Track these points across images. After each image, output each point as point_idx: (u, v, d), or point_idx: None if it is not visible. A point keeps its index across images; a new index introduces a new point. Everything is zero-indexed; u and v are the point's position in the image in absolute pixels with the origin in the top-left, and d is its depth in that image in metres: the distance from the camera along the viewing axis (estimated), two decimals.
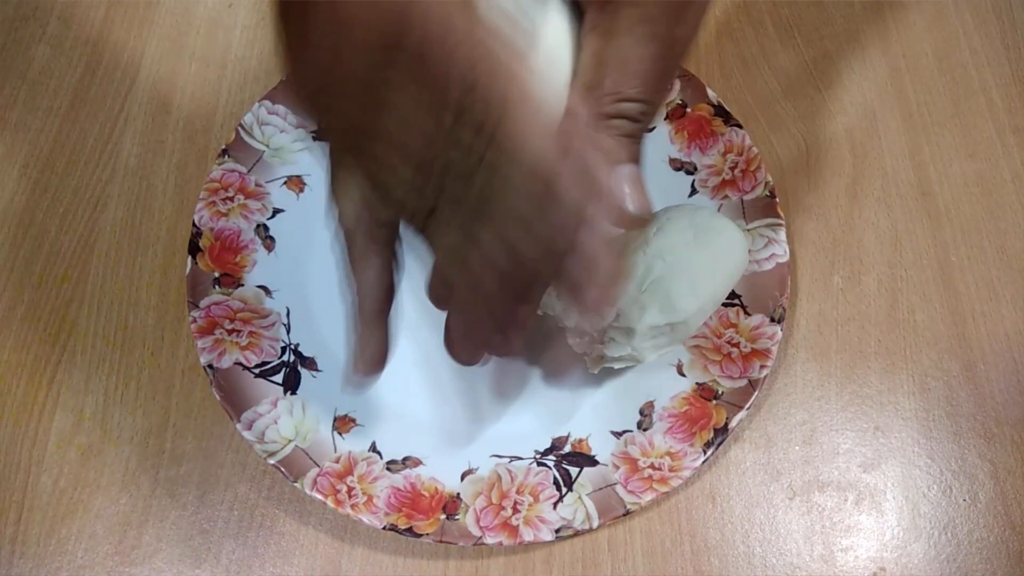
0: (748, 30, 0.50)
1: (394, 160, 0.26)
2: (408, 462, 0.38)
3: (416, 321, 0.41)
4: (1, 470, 0.38)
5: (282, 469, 0.36)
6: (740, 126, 0.44)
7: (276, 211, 0.43)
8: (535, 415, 0.39)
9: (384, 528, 0.36)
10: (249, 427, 0.37)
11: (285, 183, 0.44)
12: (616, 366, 0.37)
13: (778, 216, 0.42)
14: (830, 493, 0.38)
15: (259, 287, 0.41)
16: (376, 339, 0.32)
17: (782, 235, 0.42)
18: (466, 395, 0.40)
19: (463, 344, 0.31)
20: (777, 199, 0.42)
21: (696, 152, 0.44)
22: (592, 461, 0.38)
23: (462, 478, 0.38)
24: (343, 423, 0.39)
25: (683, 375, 0.40)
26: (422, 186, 0.27)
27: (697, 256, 0.36)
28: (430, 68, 0.23)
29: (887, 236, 0.44)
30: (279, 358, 0.40)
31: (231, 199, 0.43)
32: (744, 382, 0.39)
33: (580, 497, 0.37)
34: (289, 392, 0.39)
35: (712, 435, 0.38)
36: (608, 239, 0.26)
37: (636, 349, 0.36)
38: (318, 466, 0.37)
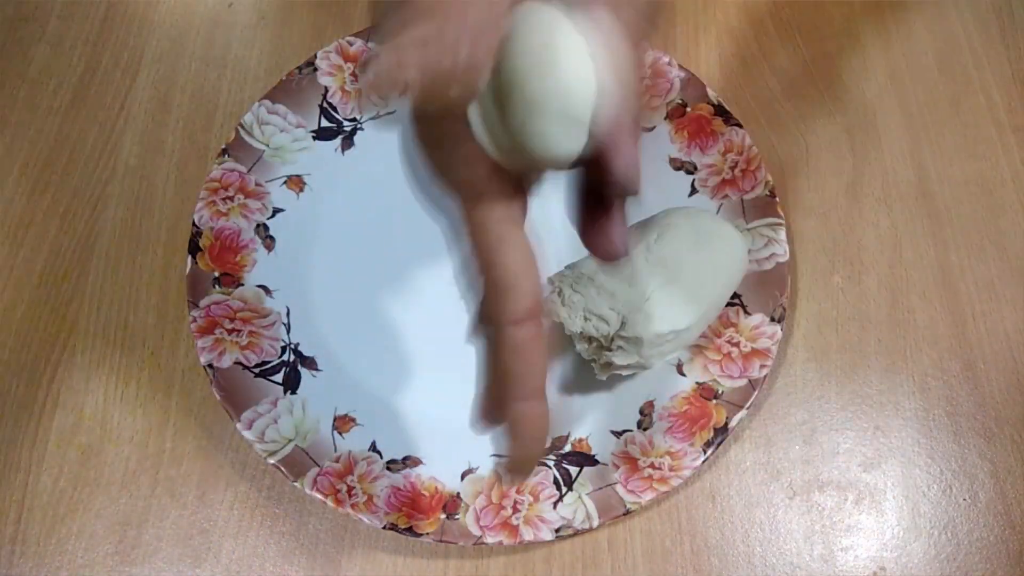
0: (748, 30, 0.50)
1: None
2: (408, 462, 0.38)
3: (417, 319, 0.41)
4: (1, 470, 0.38)
5: (282, 469, 0.36)
6: (740, 126, 0.44)
7: (276, 211, 0.43)
8: None
9: (384, 528, 0.36)
10: (249, 427, 0.37)
11: (285, 183, 0.44)
12: (624, 373, 0.37)
13: (778, 216, 0.42)
14: (830, 493, 0.38)
15: (259, 287, 0.41)
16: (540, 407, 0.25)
17: (782, 235, 0.42)
18: (466, 395, 0.40)
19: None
20: (777, 199, 0.42)
21: (696, 151, 0.44)
22: (592, 460, 0.38)
23: (462, 478, 0.38)
24: (343, 423, 0.39)
25: (683, 375, 0.40)
26: None
27: (699, 262, 0.36)
28: None
29: (887, 236, 0.44)
30: (279, 358, 0.40)
31: (231, 199, 0.43)
32: (744, 382, 0.39)
33: (580, 496, 0.37)
34: (289, 392, 0.39)
35: (712, 435, 0.38)
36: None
37: (644, 357, 0.36)
38: (318, 466, 0.37)
